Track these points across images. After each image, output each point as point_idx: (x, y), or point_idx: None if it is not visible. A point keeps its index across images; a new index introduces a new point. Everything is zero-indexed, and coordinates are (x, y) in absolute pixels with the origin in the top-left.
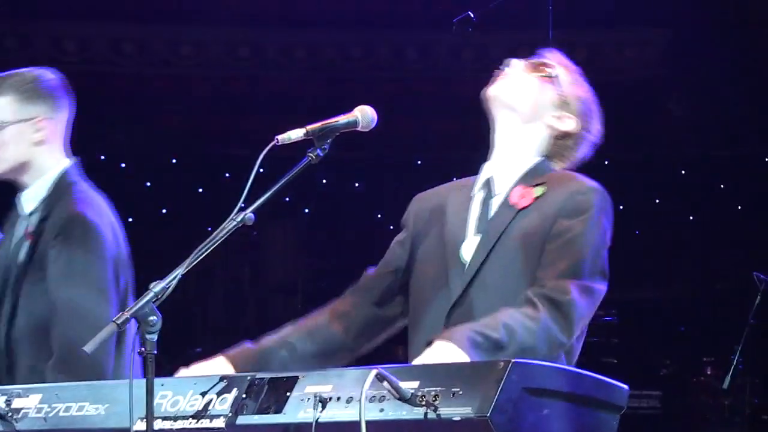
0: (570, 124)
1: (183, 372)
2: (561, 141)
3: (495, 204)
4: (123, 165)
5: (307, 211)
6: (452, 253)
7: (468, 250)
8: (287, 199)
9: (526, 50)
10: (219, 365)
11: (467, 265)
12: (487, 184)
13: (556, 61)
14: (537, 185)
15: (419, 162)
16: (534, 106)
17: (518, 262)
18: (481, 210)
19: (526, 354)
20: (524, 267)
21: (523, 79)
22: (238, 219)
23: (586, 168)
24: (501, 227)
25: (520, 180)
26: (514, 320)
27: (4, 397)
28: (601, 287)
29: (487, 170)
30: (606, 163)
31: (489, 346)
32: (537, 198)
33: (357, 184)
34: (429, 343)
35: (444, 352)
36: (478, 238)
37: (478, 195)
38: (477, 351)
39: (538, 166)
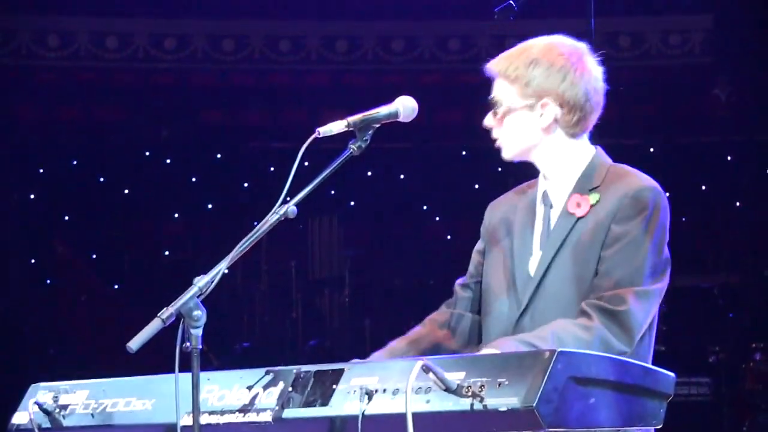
0: (549, 109)
1: None
2: (564, 118)
3: (554, 216)
4: (168, 161)
5: (352, 203)
6: (520, 268)
7: (534, 264)
8: (332, 192)
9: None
10: None
11: (532, 278)
12: (544, 197)
13: (499, 83)
14: (592, 190)
15: (464, 153)
16: (527, 136)
17: (576, 271)
18: (543, 225)
19: None
20: (581, 275)
21: (502, 134)
22: (281, 212)
23: (633, 155)
24: (561, 237)
25: (575, 187)
26: (566, 331)
27: (52, 394)
28: (662, 286)
29: (542, 183)
30: (651, 150)
31: None
32: (593, 206)
33: (402, 176)
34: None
35: None
36: (542, 253)
37: (540, 209)
38: None
39: (589, 167)
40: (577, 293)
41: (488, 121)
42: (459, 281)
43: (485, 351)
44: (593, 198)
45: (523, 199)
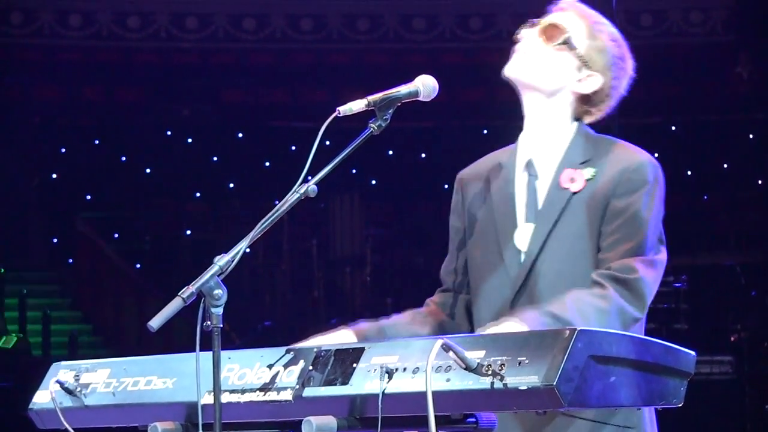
0: (594, 83)
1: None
2: (589, 101)
3: (542, 188)
4: (189, 140)
5: (373, 182)
6: (506, 242)
7: (522, 238)
8: (354, 171)
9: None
10: (343, 336)
11: (524, 254)
12: (528, 166)
13: (570, 18)
14: (584, 163)
15: (486, 131)
16: (554, 79)
17: (573, 247)
18: (528, 195)
19: None
20: (580, 250)
21: (538, 53)
22: (301, 191)
23: (655, 134)
24: (555, 213)
25: (564, 159)
26: (585, 303)
27: (73, 372)
28: (664, 257)
29: (524, 149)
30: (673, 128)
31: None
32: (588, 180)
33: (423, 155)
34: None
35: (512, 330)
36: (531, 226)
37: (521, 177)
38: None
39: (576, 138)
40: (575, 269)
41: (529, 33)
42: (445, 266)
43: (505, 321)
44: (588, 172)
45: (495, 168)
